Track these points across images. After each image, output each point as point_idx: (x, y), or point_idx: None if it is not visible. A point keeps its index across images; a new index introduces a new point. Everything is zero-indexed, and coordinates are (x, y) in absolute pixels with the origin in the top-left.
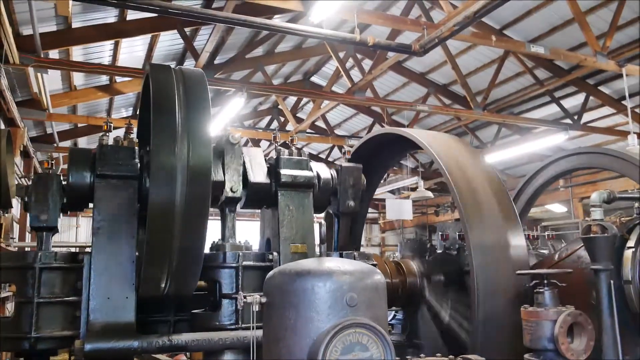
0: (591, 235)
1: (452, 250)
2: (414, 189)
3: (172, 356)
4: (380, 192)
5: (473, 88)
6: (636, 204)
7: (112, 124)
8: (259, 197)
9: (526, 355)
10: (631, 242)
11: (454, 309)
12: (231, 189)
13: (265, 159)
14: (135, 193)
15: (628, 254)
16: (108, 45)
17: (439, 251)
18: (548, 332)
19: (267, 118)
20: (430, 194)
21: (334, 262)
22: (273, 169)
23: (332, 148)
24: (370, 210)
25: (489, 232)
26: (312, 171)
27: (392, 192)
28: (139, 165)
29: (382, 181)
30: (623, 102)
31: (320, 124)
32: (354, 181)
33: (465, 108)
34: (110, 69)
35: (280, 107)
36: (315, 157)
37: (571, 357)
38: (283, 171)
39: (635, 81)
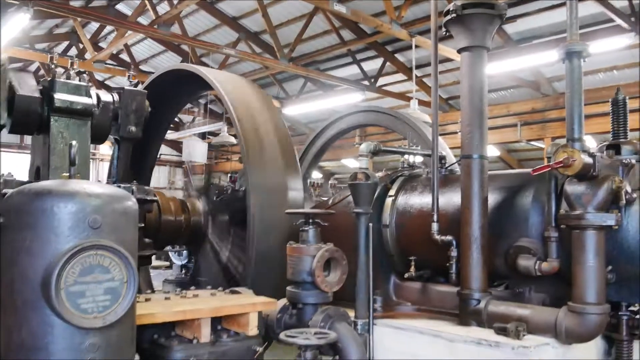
0: (356, 182)
1: (240, 192)
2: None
3: None
4: (186, 136)
5: (283, 40)
6: (402, 158)
7: None
8: (26, 121)
9: (288, 287)
10: (392, 192)
11: (235, 246)
12: None
13: (39, 82)
14: None
15: (388, 201)
16: None
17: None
18: (307, 266)
19: (65, 44)
20: (233, 139)
21: (79, 184)
22: (46, 92)
23: (136, 85)
24: (175, 152)
25: (269, 174)
26: (91, 98)
27: (201, 136)
28: None
29: (188, 124)
30: (416, 71)
31: (126, 57)
32: (137, 106)
33: (273, 58)
34: None
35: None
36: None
37: (325, 288)
38: (57, 95)
39: (425, 53)
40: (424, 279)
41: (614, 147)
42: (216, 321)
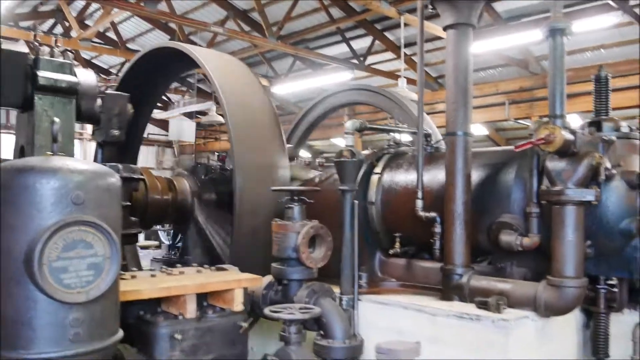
0: (341, 159)
1: (227, 171)
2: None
3: None
4: (175, 115)
5: (271, 18)
6: (381, 136)
7: None
8: (10, 99)
9: (273, 264)
10: (378, 169)
11: (222, 225)
12: None
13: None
14: None
15: (374, 179)
16: None
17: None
18: (292, 243)
19: (51, 21)
20: (221, 118)
21: (62, 161)
22: (30, 70)
23: (124, 63)
24: (163, 132)
25: (255, 153)
26: (75, 76)
27: (188, 116)
28: None
29: (177, 103)
30: (405, 49)
31: (113, 35)
32: (120, 110)
33: (262, 36)
34: None
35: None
36: (106, 72)
37: (310, 265)
38: (41, 73)
39: (414, 31)
40: (408, 255)
41: (596, 124)
42: (202, 298)
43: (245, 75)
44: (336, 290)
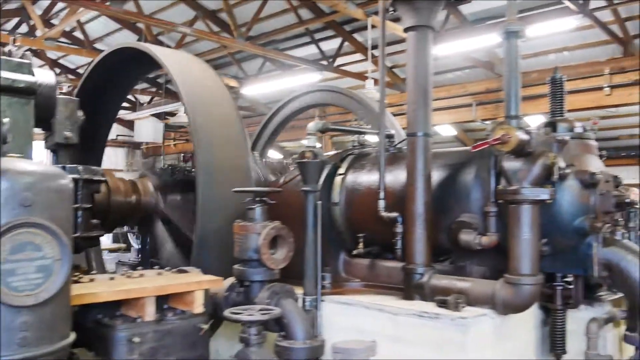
0: (303, 160)
1: (192, 172)
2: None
3: None
4: (144, 116)
5: (241, 18)
6: (352, 138)
7: None
8: None
9: (235, 266)
10: (342, 170)
11: (187, 227)
12: None
13: None
14: None
15: (338, 179)
16: None
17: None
18: (253, 244)
19: (16, 20)
20: None
21: (11, 162)
22: None
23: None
24: (133, 133)
25: (218, 154)
26: (34, 76)
27: (158, 116)
28: None
29: (145, 104)
30: (373, 50)
31: (81, 35)
32: (70, 113)
33: (230, 37)
34: None
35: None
36: (73, 72)
37: (271, 266)
38: None
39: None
40: (372, 256)
41: (551, 125)
42: (162, 300)
43: (208, 75)
44: (301, 291)
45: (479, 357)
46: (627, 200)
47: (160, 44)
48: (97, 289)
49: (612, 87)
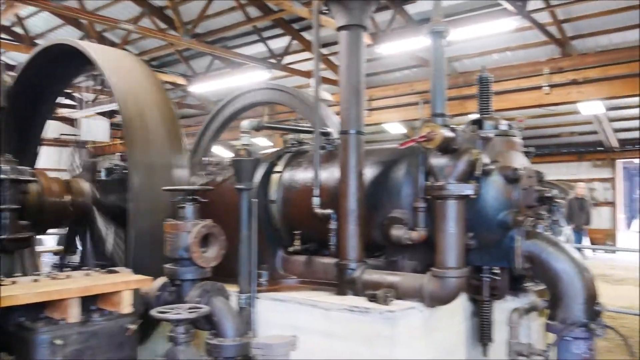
0: (237, 158)
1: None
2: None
3: None
4: (89, 114)
5: (189, 15)
6: (288, 137)
7: None
8: None
9: (166, 265)
10: (279, 168)
11: (122, 227)
12: None
13: None
14: None
15: (275, 177)
16: None
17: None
18: (184, 242)
19: None
20: None
21: None
22: None
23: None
24: (76, 132)
25: (152, 153)
26: None
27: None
28: None
29: (90, 102)
30: (322, 49)
31: (21, 30)
32: None
33: (177, 34)
34: None
35: None
36: (14, 69)
37: (202, 264)
38: None
39: (331, 32)
40: (309, 252)
41: (478, 123)
42: (89, 301)
43: (144, 75)
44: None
45: (408, 349)
46: (549, 195)
47: (104, 40)
48: (17, 291)
49: (552, 86)
